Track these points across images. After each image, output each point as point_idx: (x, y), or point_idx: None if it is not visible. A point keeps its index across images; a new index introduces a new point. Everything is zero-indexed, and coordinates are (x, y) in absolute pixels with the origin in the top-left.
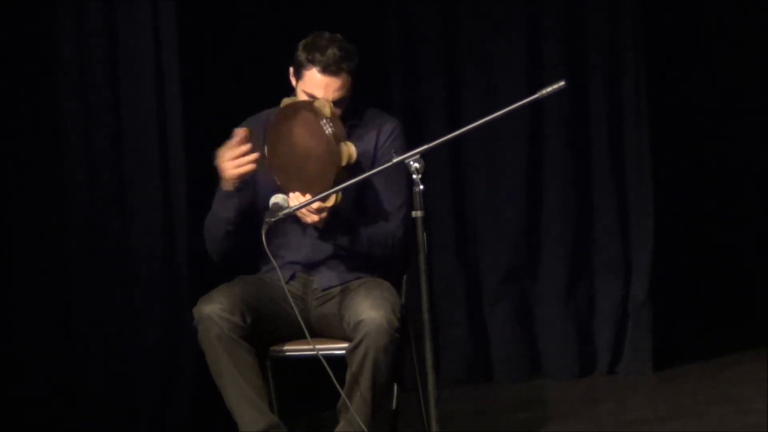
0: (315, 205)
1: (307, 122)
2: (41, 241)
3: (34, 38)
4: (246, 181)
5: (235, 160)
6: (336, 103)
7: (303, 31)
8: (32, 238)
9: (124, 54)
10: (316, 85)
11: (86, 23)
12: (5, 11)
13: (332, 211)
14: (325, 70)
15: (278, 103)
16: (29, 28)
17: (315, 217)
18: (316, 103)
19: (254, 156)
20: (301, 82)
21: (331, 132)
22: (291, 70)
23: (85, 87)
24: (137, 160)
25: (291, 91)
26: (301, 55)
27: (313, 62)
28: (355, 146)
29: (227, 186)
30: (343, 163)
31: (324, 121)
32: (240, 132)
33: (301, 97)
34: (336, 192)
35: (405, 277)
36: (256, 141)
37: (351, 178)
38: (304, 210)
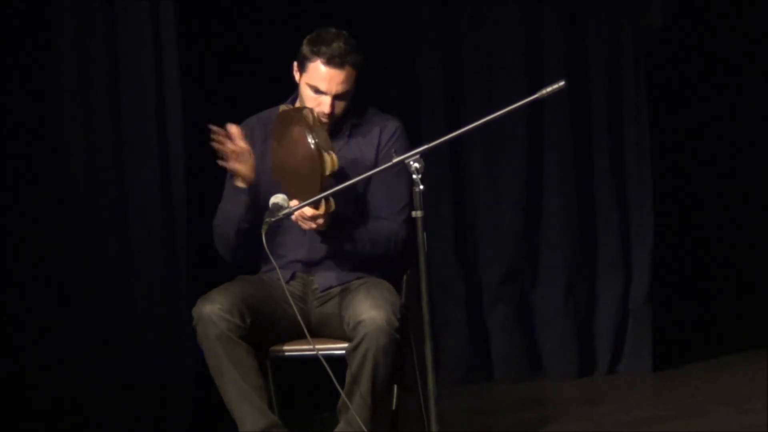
0: (309, 213)
1: (294, 132)
2: (41, 241)
3: (34, 38)
4: (254, 178)
5: (235, 155)
6: (339, 96)
7: (303, 31)
8: (32, 238)
9: (124, 54)
10: (320, 77)
11: (86, 23)
12: (4, 10)
13: (328, 216)
14: (330, 62)
15: (278, 102)
16: (29, 27)
17: (312, 224)
18: (304, 112)
19: (249, 156)
20: (305, 75)
21: (314, 142)
22: (295, 64)
23: (84, 87)
24: (137, 159)
25: (291, 90)
26: (306, 48)
27: (317, 54)
28: (357, 145)
29: (237, 182)
30: (327, 173)
31: (309, 131)
32: (231, 129)
33: (305, 90)
34: (335, 192)
35: (405, 277)
36: (255, 140)
37: (343, 182)
38: (299, 218)
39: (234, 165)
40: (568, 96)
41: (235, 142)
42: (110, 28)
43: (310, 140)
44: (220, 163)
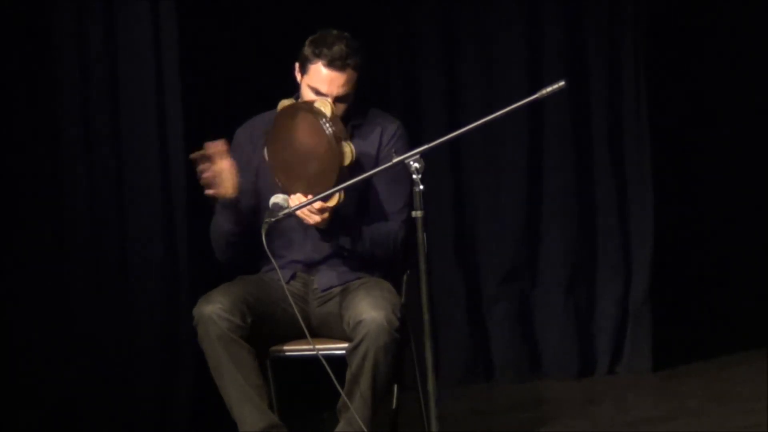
0: (317, 205)
1: (308, 123)
2: (41, 241)
3: (34, 38)
4: (241, 192)
5: (214, 179)
6: (340, 98)
7: (303, 32)
8: (32, 238)
9: (124, 54)
10: (321, 79)
11: (86, 23)
12: (5, 10)
13: (334, 210)
14: (331, 64)
15: (278, 103)
16: (29, 27)
17: (317, 218)
18: (317, 104)
19: (229, 174)
20: (306, 77)
21: (332, 132)
22: (296, 65)
23: (84, 87)
24: (137, 160)
25: (291, 91)
26: (308, 50)
27: (319, 56)
28: (358, 145)
29: (221, 198)
30: (345, 163)
31: (324, 121)
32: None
33: (305, 91)
34: (337, 192)
35: (405, 277)
36: (256, 141)
37: (352, 178)
38: (306, 211)
39: (211, 191)
40: (568, 95)
41: (214, 161)
42: (110, 28)
43: (328, 130)
44: (207, 192)
